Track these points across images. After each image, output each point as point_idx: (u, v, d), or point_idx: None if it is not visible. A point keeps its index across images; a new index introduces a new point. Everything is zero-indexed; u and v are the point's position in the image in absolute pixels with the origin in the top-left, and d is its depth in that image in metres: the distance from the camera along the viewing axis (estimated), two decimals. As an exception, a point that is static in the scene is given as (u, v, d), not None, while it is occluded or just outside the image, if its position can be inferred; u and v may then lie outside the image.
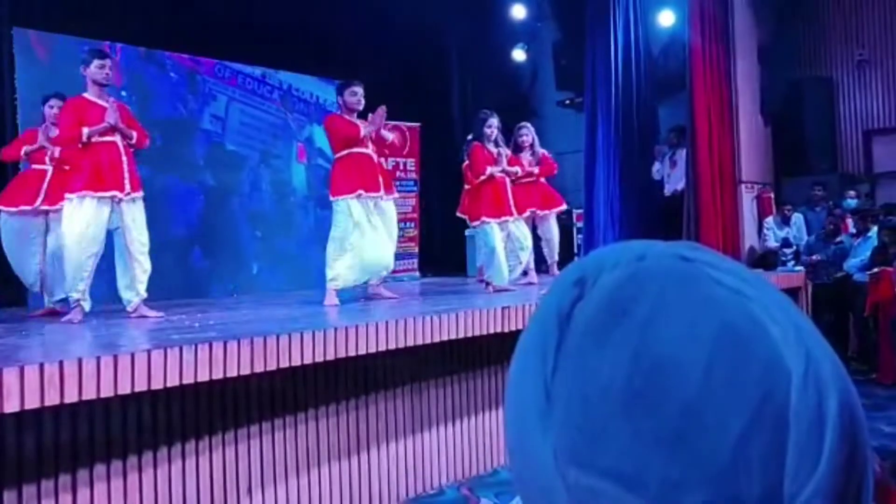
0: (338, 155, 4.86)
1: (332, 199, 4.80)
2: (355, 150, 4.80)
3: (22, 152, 4.97)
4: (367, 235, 4.62)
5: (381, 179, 4.85)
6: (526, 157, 6.26)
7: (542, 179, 6.41)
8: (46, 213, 4.84)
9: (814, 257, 6.78)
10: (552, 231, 6.46)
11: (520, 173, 5.88)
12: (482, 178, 5.48)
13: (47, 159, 4.90)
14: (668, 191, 7.82)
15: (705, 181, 7.26)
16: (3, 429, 2.58)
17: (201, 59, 6.87)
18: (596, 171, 8.55)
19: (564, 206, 6.73)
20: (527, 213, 5.85)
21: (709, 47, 7.33)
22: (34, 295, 5.64)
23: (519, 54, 9.66)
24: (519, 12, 9.24)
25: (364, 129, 4.77)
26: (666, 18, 8.36)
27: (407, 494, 3.90)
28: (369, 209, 4.70)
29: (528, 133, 6.33)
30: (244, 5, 7.02)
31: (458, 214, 6.00)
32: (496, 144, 5.61)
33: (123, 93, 6.00)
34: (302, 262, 7.17)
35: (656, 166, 7.93)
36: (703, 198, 7.25)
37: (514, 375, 0.42)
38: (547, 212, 6.39)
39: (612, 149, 8.39)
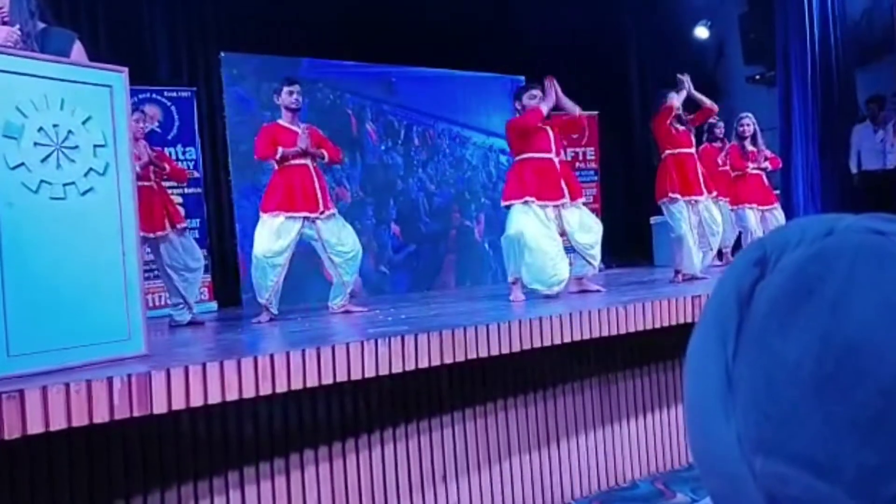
0: (517, 158, 4.75)
1: (503, 203, 4.76)
2: (535, 154, 4.67)
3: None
4: (540, 248, 4.48)
5: (563, 185, 4.67)
6: (749, 147, 5.98)
7: (764, 175, 6.10)
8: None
9: None
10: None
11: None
12: (668, 152, 5.30)
13: (152, 176, 4.74)
14: (889, 164, 7.13)
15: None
16: (225, 416, 2.87)
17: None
18: (793, 148, 7.98)
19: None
20: (713, 194, 5.55)
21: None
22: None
23: (702, 31, 9.22)
24: (700, -13, 8.82)
25: (545, 107, 4.62)
26: (868, -24, 7.62)
27: (599, 487, 3.86)
28: (542, 217, 4.56)
29: (749, 123, 6.02)
30: (412, 8, 7.24)
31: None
32: (681, 122, 5.39)
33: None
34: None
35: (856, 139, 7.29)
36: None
37: (692, 360, 0.41)
38: (772, 206, 6.12)
39: (811, 124, 7.78)
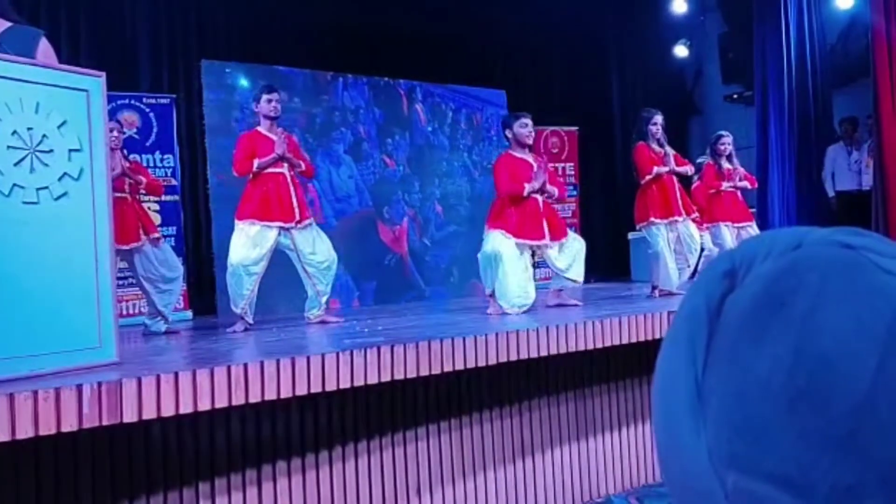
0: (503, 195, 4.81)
1: (486, 231, 4.78)
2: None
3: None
4: (512, 270, 4.56)
5: (545, 225, 4.73)
6: (725, 165, 6.05)
7: (738, 192, 6.17)
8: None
9: None
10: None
11: (690, 173, 5.67)
12: (648, 178, 5.33)
13: (126, 187, 4.63)
14: (864, 185, 7.23)
15: (894, 177, 6.62)
16: (197, 426, 2.83)
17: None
18: (769, 168, 8.06)
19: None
20: (694, 215, 5.59)
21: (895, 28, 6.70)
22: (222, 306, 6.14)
23: (681, 50, 9.33)
24: (680, 7, 8.92)
25: (527, 188, 4.66)
26: (844, 0, 7.75)
27: (573, 502, 3.85)
28: (518, 249, 4.63)
29: (729, 141, 6.10)
30: (396, 20, 7.27)
31: None
32: (660, 144, 5.43)
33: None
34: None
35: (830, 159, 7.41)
36: (894, 196, 6.60)
37: (661, 374, 0.40)
38: (747, 223, 6.17)
39: (787, 143, 7.88)
